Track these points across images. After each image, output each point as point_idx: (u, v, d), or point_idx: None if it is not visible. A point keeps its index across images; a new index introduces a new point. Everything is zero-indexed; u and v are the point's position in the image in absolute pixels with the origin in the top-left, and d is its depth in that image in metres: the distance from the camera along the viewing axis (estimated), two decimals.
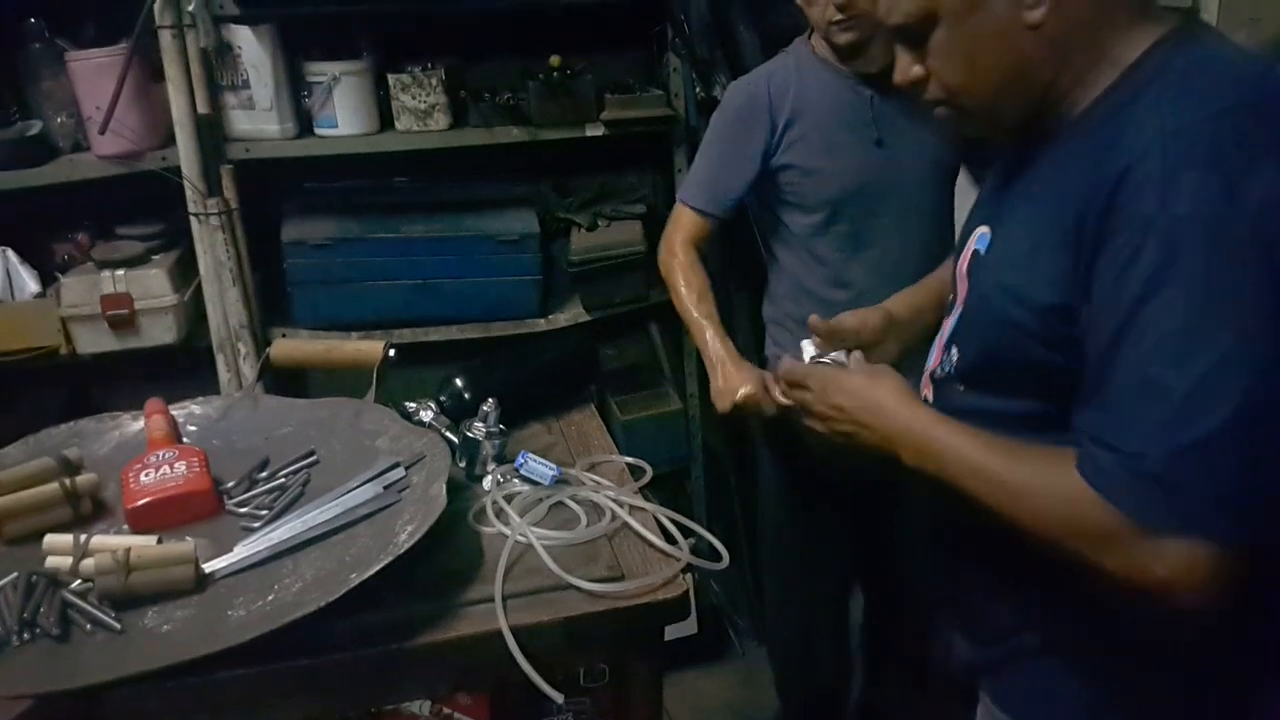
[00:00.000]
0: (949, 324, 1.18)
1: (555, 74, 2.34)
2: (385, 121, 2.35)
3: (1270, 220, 0.87)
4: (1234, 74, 0.96)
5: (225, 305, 2.26)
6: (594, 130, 2.40)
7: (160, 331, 2.21)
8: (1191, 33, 1.00)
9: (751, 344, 2.24)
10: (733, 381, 1.73)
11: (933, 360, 1.20)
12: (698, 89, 2.44)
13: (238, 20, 2.18)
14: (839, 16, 1.74)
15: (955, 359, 1.13)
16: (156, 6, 2.09)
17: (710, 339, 1.81)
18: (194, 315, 2.30)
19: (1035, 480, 0.97)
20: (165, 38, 2.13)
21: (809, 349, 1.37)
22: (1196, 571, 0.88)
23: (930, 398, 1.19)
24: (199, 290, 2.28)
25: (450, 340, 2.40)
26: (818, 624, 2.21)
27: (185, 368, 2.34)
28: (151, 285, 2.19)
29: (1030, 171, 1.07)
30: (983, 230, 1.13)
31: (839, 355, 1.32)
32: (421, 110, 2.31)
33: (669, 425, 2.69)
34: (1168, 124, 0.91)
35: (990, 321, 1.07)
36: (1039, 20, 0.99)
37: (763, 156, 1.88)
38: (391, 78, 2.30)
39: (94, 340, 2.18)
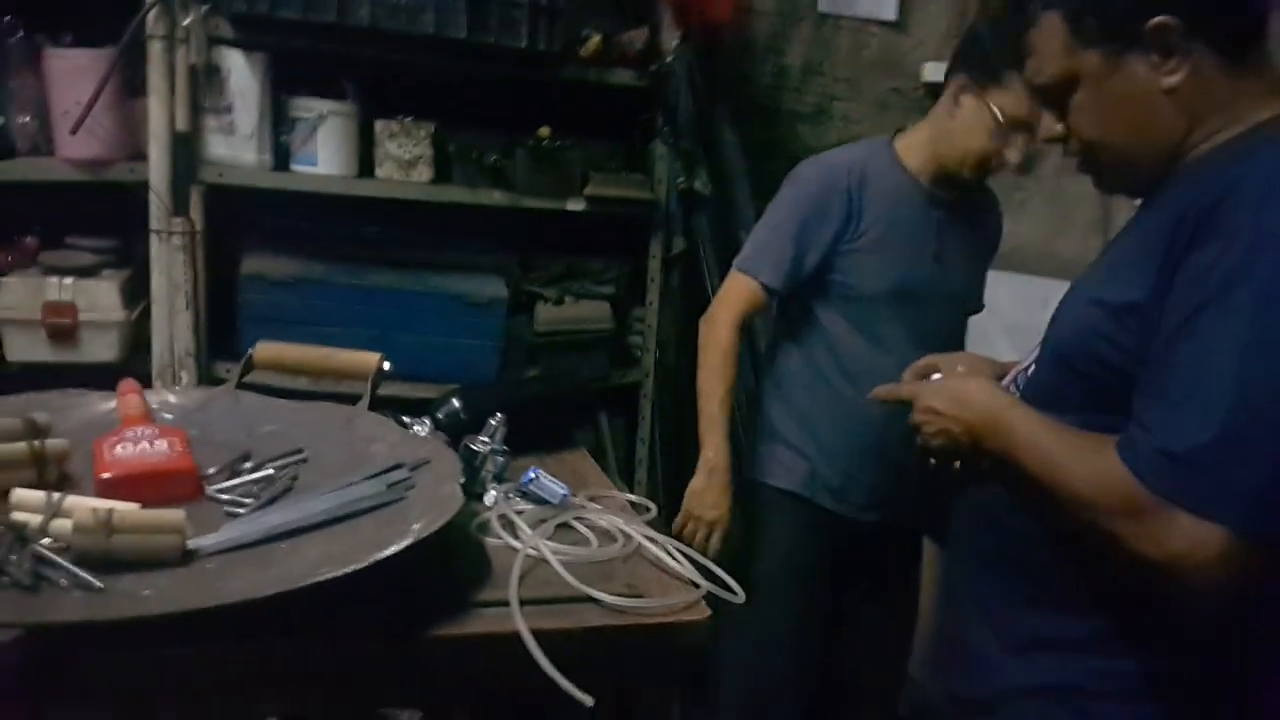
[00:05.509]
0: (1016, 368, 1.26)
1: (544, 143, 2.35)
2: (365, 168, 2.31)
3: None
4: None
5: (174, 330, 2.13)
6: (575, 205, 2.40)
7: (101, 348, 2.06)
8: None
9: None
10: (716, 496, 1.85)
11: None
12: (679, 179, 2.48)
13: (232, 43, 2.14)
14: (1015, 163, 1.81)
15: (1023, 378, 1.19)
16: (151, 15, 2.04)
17: (716, 445, 1.88)
18: (137, 338, 2.15)
19: (1078, 453, 1.06)
20: (155, 48, 2.07)
21: None
22: (1206, 551, 0.94)
23: None
24: (147, 313, 2.14)
25: (400, 397, 2.29)
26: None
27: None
28: (99, 297, 2.05)
29: (1139, 216, 1.13)
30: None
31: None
32: (406, 160, 2.28)
33: None
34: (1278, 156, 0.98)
35: (1065, 330, 1.13)
36: (1175, 85, 1.05)
37: (832, 242, 1.89)
38: (379, 124, 2.28)
39: (27, 348, 2.02)
